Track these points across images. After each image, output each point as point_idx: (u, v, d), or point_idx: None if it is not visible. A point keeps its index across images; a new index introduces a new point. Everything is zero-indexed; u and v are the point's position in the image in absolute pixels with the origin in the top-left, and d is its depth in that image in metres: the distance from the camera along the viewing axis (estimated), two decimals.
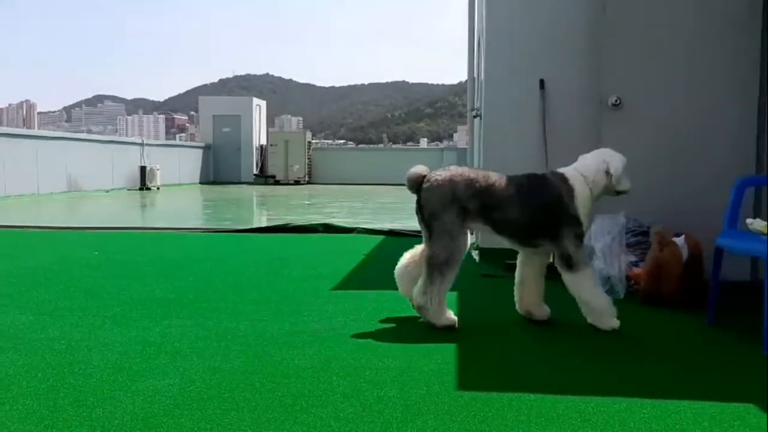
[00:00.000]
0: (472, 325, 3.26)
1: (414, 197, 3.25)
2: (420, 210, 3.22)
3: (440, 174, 3.20)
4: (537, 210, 3.18)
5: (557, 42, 5.07)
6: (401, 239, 6.75)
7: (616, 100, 4.27)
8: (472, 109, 6.08)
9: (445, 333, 3.08)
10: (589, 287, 3.19)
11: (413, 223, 8.48)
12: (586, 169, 3.28)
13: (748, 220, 3.22)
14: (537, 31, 5.10)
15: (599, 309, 3.20)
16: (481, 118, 5.45)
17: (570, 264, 3.16)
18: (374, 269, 4.91)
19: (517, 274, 3.43)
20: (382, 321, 3.31)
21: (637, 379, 2.51)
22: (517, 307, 3.46)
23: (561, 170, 3.32)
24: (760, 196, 4.30)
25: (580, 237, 3.19)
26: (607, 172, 3.26)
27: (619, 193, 3.35)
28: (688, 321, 3.39)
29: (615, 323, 3.19)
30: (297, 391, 2.31)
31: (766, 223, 3.15)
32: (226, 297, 3.86)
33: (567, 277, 3.21)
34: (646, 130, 4.28)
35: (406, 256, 3.44)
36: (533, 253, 3.35)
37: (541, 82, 5.08)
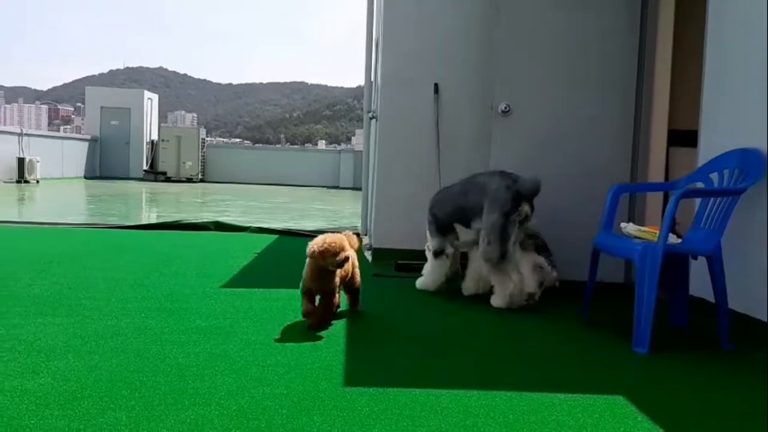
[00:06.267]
0: (361, 323, 3.28)
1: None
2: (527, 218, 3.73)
3: None
4: None
5: (452, 49, 5.21)
6: (294, 239, 6.70)
7: (505, 107, 4.42)
8: (369, 111, 6.14)
9: (333, 331, 3.09)
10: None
11: (307, 223, 8.47)
12: None
13: (622, 224, 3.42)
14: (433, 37, 5.22)
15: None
16: (377, 120, 5.51)
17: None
18: (265, 268, 4.84)
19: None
20: (271, 319, 3.27)
21: (517, 373, 2.61)
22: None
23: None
24: (634, 202, 4.59)
25: None
26: None
27: None
28: (564, 319, 3.57)
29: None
30: (179, 388, 2.24)
31: (638, 227, 3.36)
32: (108, 294, 3.69)
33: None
34: (532, 137, 4.47)
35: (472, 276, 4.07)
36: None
37: (435, 86, 5.20)
